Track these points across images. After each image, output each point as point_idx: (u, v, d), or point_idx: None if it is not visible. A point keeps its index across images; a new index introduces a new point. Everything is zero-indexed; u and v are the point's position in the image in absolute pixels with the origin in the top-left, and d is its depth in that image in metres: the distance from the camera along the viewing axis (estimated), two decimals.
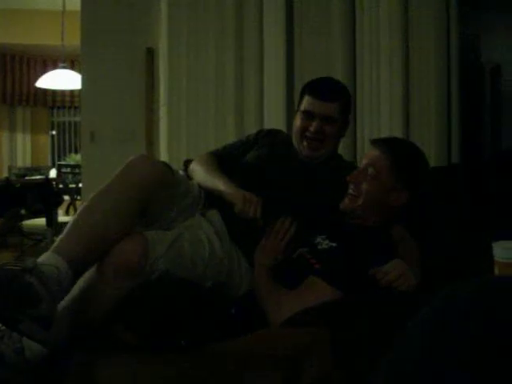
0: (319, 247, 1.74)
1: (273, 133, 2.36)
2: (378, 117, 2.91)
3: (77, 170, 4.81)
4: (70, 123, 8.28)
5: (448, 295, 0.76)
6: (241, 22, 3.29)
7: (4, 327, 1.53)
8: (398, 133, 2.79)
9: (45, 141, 8.06)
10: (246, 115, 3.31)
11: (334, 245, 1.73)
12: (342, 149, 2.58)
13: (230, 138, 3.18)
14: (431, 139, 2.80)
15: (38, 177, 5.05)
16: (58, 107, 8.13)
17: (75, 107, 7.94)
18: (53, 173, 6.07)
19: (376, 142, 1.87)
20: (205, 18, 3.39)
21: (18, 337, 1.53)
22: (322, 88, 2.13)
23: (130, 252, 1.64)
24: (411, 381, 0.71)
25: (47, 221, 2.58)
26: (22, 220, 4.12)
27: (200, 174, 2.17)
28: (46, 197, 2.40)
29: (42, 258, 1.54)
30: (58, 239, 1.62)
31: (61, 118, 8.26)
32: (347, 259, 1.63)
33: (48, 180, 2.76)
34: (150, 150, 3.88)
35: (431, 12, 2.78)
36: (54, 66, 6.53)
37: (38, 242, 4.71)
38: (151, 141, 3.87)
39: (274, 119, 3.17)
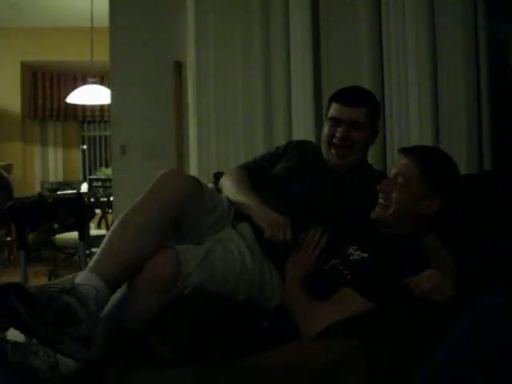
0: (351, 258, 1.73)
1: (302, 143, 2.36)
2: (407, 123, 2.88)
3: (108, 184, 4.85)
4: (100, 137, 8.39)
5: (487, 306, 0.74)
6: (267, 33, 3.29)
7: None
8: (427, 139, 2.76)
9: (76, 155, 8.19)
10: (274, 126, 3.31)
11: (365, 255, 1.71)
12: (371, 157, 2.58)
13: (260, 149, 3.19)
14: (462, 145, 2.76)
15: (69, 191, 5.11)
16: (89, 122, 8.26)
17: (105, 121, 8.05)
18: (84, 187, 6.15)
19: (405, 151, 1.86)
20: (231, 30, 3.41)
21: (52, 351, 1.53)
22: (347, 94, 2.13)
23: (161, 267, 1.64)
24: None
25: (79, 235, 2.61)
26: (54, 234, 4.18)
27: (230, 189, 2.16)
28: (77, 211, 2.43)
29: (79, 278, 1.55)
30: (93, 259, 1.63)
31: (91, 133, 8.38)
32: (380, 270, 1.61)
33: (80, 194, 2.80)
34: (180, 163, 3.90)
35: (459, 15, 2.75)
36: (84, 82, 6.63)
37: (71, 255, 4.77)
38: (181, 154, 3.89)
39: (302, 129, 3.16)
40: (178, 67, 3.91)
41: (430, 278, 1.55)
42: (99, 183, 5.64)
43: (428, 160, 1.81)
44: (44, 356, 1.52)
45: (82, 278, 1.55)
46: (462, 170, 2.39)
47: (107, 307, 1.63)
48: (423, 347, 1.38)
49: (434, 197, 1.78)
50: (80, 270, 1.96)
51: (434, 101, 2.81)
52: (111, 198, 4.36)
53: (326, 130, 2.13)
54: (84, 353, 1.46)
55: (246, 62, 3.37)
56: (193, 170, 3.56)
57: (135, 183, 3.77)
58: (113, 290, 1.61)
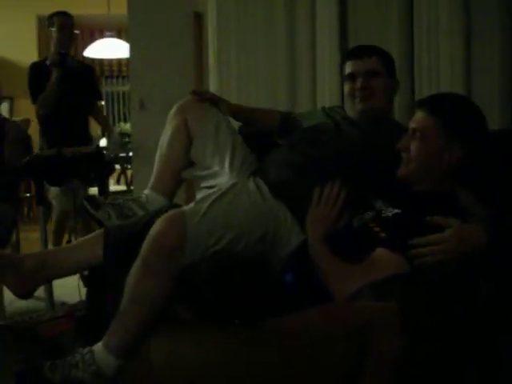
0: (383, 214, 1.65)
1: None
2: (437, 81, 2.75)
3: (126, 139, 4.78)
4: (118, 93, 8.29)
5: None
6: None
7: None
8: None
9: None
10: (298, 85, 3.18)
11: (398, 211, 1.63)
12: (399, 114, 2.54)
13: (282, 106, 3.08)
14: (495, 98, 2.63)
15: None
16: (106, 77, 8.15)
17: (123, 76, 7.95)
18: (103, 142, 6.09)
19: (419, 103, 1.80)
20: None
21: (90, 358, 1.59)
22: (356, 49, 2.27)
23: (165, 234, 1.60)
24: None
25: (99, 190, 2.56)
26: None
27: None
28: (97, 167, 2.38)
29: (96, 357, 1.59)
30: (107, 332, 1.62)
31: (109, 88, 8.29)
32: (417, 227, 1.53)
33: (99, 150, 2.73)
34: None
35: None
36: (101, 36, 6.52)
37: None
38: None
39: (328, 90, 3.03)
40: (198, 18, 3.81)
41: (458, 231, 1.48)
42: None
43: (443, 109, 1.73)
44: (84, 366, 1.58)
45: (97, 357, 1.60)
46: (495, 126, 2.30)
47: (126, 296, 1.62)
48: (459, 308, 1.33)
49: (454, 147, 1.68)
50: (97, 208, 1.97)
51: (466, 56, 2.67)
52: (130, 154, 4.28)
53: (346, 88, 2.21)
54: None
55: (268, 12, 3.24)
56: None
57: (154, 138, 3.74)
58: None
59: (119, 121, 8.07)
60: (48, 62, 4.02)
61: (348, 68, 2.20)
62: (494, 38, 2.62)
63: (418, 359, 1.22)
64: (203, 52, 3.75)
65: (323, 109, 2.41)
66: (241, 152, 2.17)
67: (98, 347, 1.60)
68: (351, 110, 2.18)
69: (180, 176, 2.20)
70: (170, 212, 1.69)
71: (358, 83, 2.13)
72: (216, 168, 2.12)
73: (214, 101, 2.28)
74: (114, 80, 8.24)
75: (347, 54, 2.31)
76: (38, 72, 4.07)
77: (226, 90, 3.37)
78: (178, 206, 1.91)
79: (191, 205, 1.75)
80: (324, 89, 3.04)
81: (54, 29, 4.04)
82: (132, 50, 3.90)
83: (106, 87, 8.27)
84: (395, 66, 2.28)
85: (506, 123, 2.59)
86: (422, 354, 1.23)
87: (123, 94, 8.18)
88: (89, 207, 1.97)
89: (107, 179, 3.19)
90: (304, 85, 3.16)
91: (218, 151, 2.13)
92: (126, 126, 6.34)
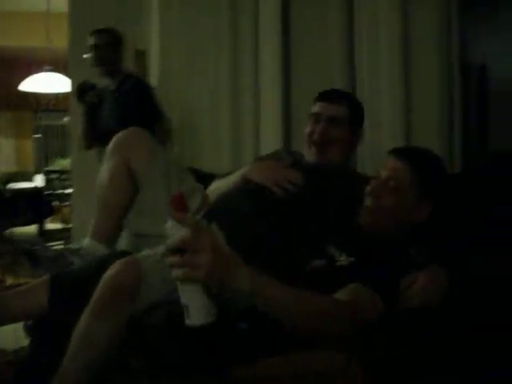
0: (337, 263, 1.61)
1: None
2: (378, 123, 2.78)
3: (65, 176, 4.67)
4: (55, 127, 8.12)
5: None
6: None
7: None
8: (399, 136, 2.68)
9: (29, 145, 7.91)
10: (242, 130, 3.17)
11: (352, 259, 1.61)
12: None
13: (226, 147, 3.10)
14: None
15: (25, 184, 4.88)
16: (43, 110, 7.97)
17: (62, 110, 7.79)
18: (39, 179, 5.96)
19: (397, 153, 1.75)
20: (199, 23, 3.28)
21: None
22: (329, 91, 2.18)
23: (123, 275, 1.56)
24: None
25: (40, 230, 2.46)
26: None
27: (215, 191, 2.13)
28: (37, 207, 2.29)
29: None
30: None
31: (46, 121, 8.09)
32: (370, 276, 1.51)
33: (39, 189, 2.63)
34: None
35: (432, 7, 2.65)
36: (39, 69, 6.38)
37: (27, 251, 4.52)
38: None
39: (271, 131, 3.03)
40: (141, 55, 3.78)
41: (419, 280, 1.49)
42: (55, 175, 5.44)
43: (422, 165, 1.71)
44: None
45: None
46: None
47: (74, 344, 1.53)
48: (422, 357, 1.33)
49: (425, 204, 1.69)
50: (36, 265, 1.88)
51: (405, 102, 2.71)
52: (68, 191, 4.19)
53: (307, 128, 2.13)
54: None
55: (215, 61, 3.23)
56: None
57: (96, 175, 3.66)
58: None
59: (56, 156, 7.82)
60: None
61: (314, 107, 2.13)
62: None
63: None
64: None
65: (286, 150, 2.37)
66: (196, 195, 2.07)
67: None
68: (308, 154, 2.12)
69: (122, 222, 2.07)
70: (127, 257, 1.64)
71: (319, 128, 2.07)
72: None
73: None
74: (52, 114, 8.05)
75: (319, 93, 2.19)
76: None
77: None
78: (126, 253, 1.84)
79: (146, 251, 1.71)
80: (267, 137, 3.03)
81: None
82: (73, 84, 3.83)
83: (42, 121, 8.08)
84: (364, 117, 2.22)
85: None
86: None
87: (62, 127, 8.00)
88: (27, 264, 1.89)
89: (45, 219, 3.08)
90: (247, 132, 3.14)
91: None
92: (65, 162, 6.20)
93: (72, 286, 1.74)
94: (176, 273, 1.11)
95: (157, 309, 1.57)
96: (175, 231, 1.11)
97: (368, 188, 1.71)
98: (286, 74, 2.96)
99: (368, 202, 1.70)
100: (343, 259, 1.60)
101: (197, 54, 3.25)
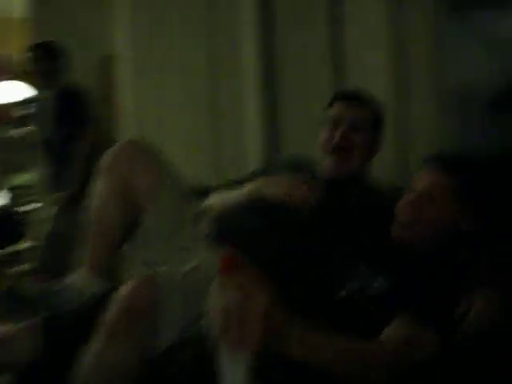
0: (367, 292, 1.42)
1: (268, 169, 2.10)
2: None
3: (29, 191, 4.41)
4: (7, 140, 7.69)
5: None
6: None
7: None
8: None
9: None
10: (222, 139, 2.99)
11: (388, 285, 1.41)
12: None
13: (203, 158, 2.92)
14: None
15: None
16: None
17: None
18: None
19: (432, 163, 1.58)
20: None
21: None
22: (349, 92, 2.00)
23: (139, 295, 1.39)
24: None
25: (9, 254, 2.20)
26: None
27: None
28: (7, 232, 2.02)
29: None
30: None
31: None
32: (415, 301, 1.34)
33: (8, 212, 2.36)
34: None
35: None
36: None
37: None
38: None
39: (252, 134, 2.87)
40: (106, 61, 3.57)
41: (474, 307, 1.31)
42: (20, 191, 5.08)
43: (460, 173, 1.55)
44: None
45: None
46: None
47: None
48: None
49: (467, 217, 1.52)
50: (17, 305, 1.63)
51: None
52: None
53: (324, 134, 1.91)
54: None
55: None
56: None
57: None
58: None
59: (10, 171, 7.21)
60: None
61: (332, 111, 1.92)
62: None
63: None
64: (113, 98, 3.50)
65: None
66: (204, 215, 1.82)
67: None
68: (324, 162, 1.90)
69: (118, 248, 1.79)
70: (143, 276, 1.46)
71: (338, 133, 1.86)
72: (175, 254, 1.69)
73: None
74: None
75: (338, 93, 2.01)
76: None
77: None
78: None
79: (164, 268, 1.54)
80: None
81: None
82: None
83: None
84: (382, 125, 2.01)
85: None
86: None
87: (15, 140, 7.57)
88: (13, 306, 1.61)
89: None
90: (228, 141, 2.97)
91: (178, 228, 1.75)
92: (23, 178, 5.76)
93: (68, 327, 1.53)
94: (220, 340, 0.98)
95: (180, 347, 1.39)
96: (222, 292, 0.93)
97: (403, 202, 1.55)
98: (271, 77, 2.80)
99: (403, 215, 1.52)
100: (379, 285, 1.40)
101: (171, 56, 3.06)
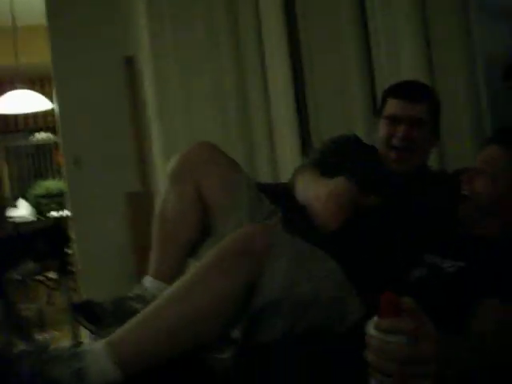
0: (444, 270, 1.40)
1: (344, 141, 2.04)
2: None
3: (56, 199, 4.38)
4: (25, 148, 7.70)
5: None
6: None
7: None
8: None
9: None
10: (252, 125, 2.97)
11: (461, 264, 1.39)
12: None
13: (234, 151, 2.83)
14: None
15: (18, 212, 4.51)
16: (11, 131, 7.55)
17: (30, 130, 7.40)
18: (23, 205, 5.54)
19: (497, 139, 1.56)
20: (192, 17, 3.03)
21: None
22: (407, 88, 1.89)
23: (254, 238, 1.35)
24: None
25: (61, 269, 2.17)
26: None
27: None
28: (56, 242, 2.02)
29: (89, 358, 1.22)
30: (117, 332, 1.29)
31: (13, 143, 7.64)
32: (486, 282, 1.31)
33: (58, 223, 2.35)
34: (143, 168, 3.53)
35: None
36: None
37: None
38: (143, 159, 3.51)
39: (283, 125, 2.83)
40: (130, 63, 3.52)
41: None
42: (44, 200, 5.05)
43: None
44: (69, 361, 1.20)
45: (92, 358, 1.23)
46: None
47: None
48: None
49: None
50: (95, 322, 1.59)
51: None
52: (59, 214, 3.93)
53: (383, 130, 1.87)
54: None
55: (212, 56, 3.00)
56: (159, 175, 3.17)
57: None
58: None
59: (31, 178, 7.28)
60: None
61: (389, 107, 1.87)
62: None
63: None
64: (139, 100, 3.46)
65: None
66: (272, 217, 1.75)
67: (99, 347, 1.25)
68: (385, 158, 1.87)
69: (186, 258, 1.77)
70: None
71: (400, 131, 1.81)
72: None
73: None
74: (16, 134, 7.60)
75: (393, 88, 1.92)
76: None
77: (172, 136, 3.09)
78: None
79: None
80: (282, 137, 2.82)
81: None
82: (59, 101, 3.56)
83: (10, 142, 7.63)
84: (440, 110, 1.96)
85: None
86: None
87: (36, 148, 7.58)
88: (84, 322, 1.57)
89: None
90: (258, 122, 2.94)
91: None
92: (48, 184, 5.77)
93: None
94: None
95: (276, 316, 1.32)
96: (385, 336, 0.86)
97: (464, 176, 1.54)
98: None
99: (465, 190, 1.52)
100: (449, 265, 1.39)
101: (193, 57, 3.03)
